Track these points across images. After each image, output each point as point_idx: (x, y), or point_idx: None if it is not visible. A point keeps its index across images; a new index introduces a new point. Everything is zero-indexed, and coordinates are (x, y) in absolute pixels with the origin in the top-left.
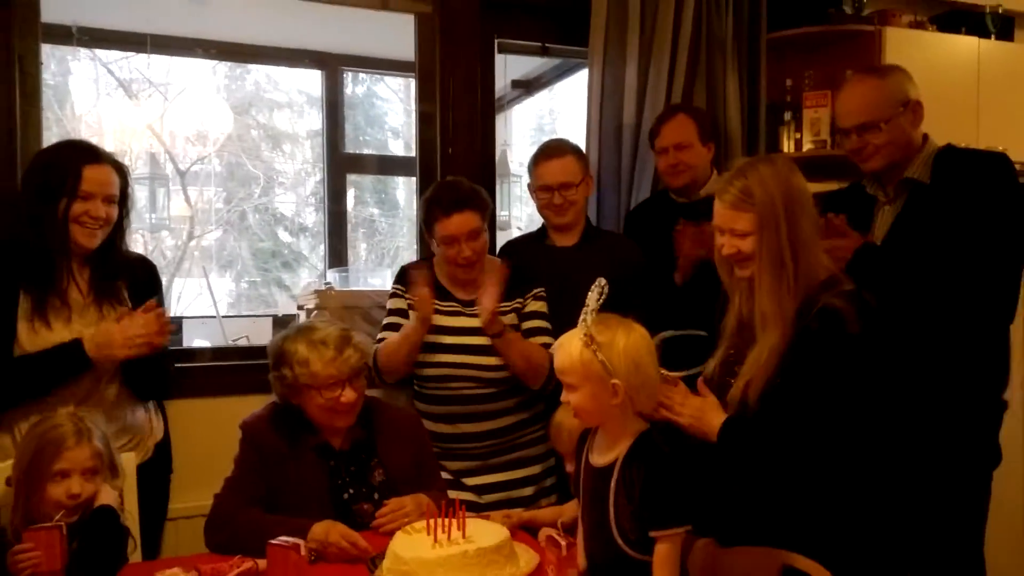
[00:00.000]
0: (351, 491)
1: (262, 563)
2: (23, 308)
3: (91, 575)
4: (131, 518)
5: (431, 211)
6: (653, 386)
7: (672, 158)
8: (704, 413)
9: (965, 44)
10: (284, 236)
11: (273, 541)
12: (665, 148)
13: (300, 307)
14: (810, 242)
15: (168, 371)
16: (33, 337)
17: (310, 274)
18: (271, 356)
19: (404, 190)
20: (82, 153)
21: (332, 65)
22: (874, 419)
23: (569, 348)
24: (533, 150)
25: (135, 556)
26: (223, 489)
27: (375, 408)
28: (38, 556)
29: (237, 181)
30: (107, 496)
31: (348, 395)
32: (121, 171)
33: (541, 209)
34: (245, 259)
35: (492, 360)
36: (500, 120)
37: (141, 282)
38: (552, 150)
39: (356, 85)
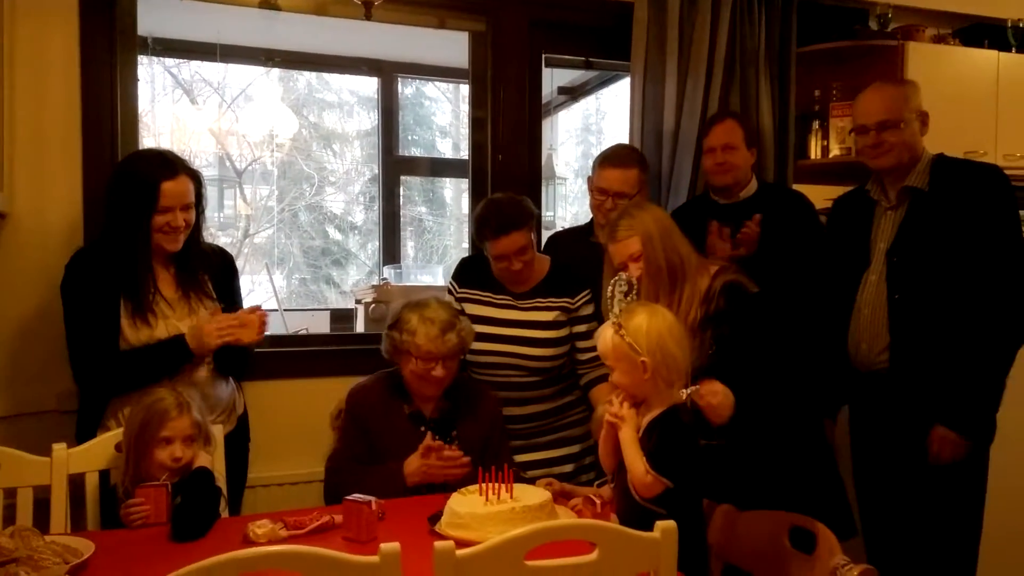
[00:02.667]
0: None
1: (338, 517)
2: (124, 308)
3: (190, 526)
4: (221, 480)
5: (481, 231)
6: (677, 361)
7: (719, 157)
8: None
9: (984, 57)
10: (334, 234)
11: (348, 497)
12: (713, 148)
13: (358, 301)
14: (685, 252)
15: (250, 353)
16: (136, 333)
17: (359, 271)
18: (391, 317)
19: (452, 190)
20: (160, 168)
21: (388, 72)
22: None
23: (604, 336)
24: (579, 151)
25: (225, 514)
26: (331, 455)
27: (464, 386)
28: (147, 509)
29: (289, 180)
30: (204, 460)
31: (439, 371)
32: (196, 177)
33: (593, 207)
34: (296, 256)
35: (538, 351)
36: (546, 124)
37: (221, 272)
38: (620, 159)
39: (405, 86)
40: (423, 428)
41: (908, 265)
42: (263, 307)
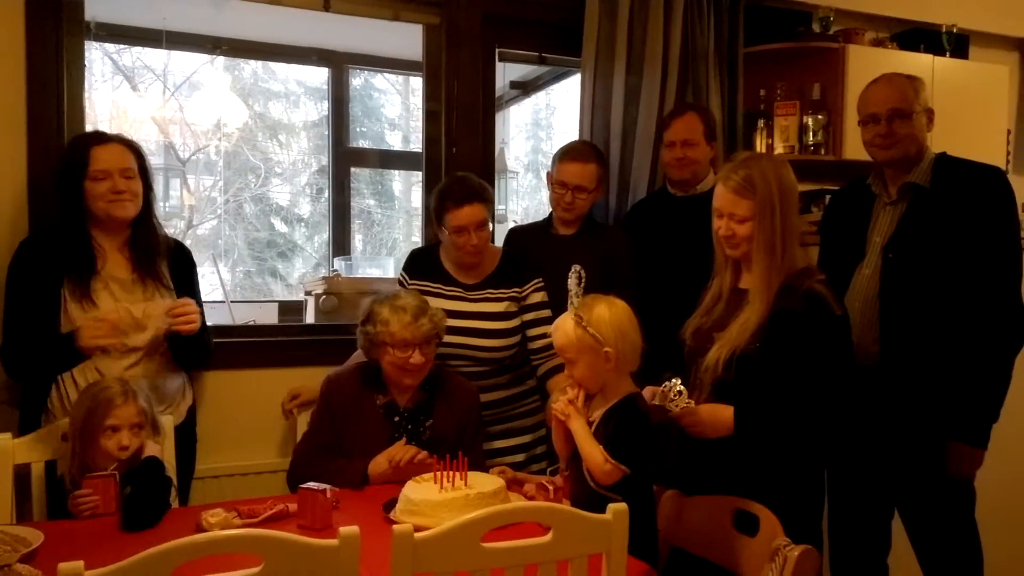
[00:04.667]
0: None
1: (292, 506)
2: (70, 290)
3: (142, 516)
4: (171, 470)
5: (443, 202)
6: (637, 348)
7: (679, 152)
8: (715, 410)
9: (920, 61)
10: (280, 226)
11: (303, 486)
12: (673, 142)
13: (308, 292)
14: (795, 232)
15: (208, 345)
16: (83, 315)
17: (305, 263)
18: (362, 313)
19: (400, 183)
20: (89, 137)
21: (338, 63)
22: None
23: (564, 328)
24: (528, 146)
25: (175, 504)
26: (301, 440)
27: (442, 377)
28: (96, 500)
29: (234, 171)
30: (152, 450)
31: (416, 358)
32: (132, 147)
33: (553, 201)
34: (240, 248)
35: (489, 342)
36: (498, 119)
37: (179, 263)
38: (579, 154)
39: (353, 77)
40: (396, 419)
41: (903, 261)
42: (209, 298)
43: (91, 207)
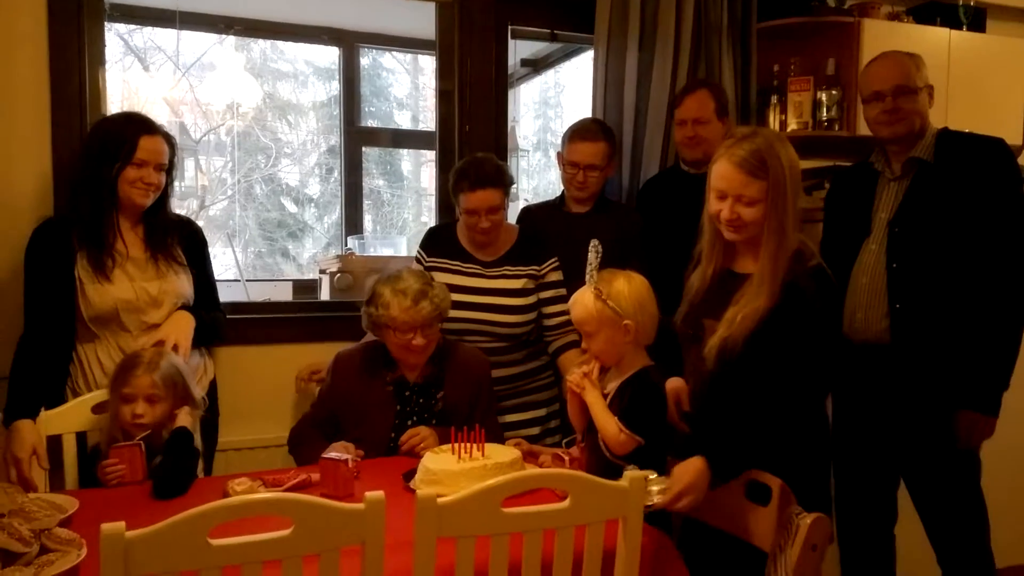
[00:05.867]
0: (415, 418)
1: (315, 476)
2: (84, 269)
3: (172, 484)
4: (196, 441)
5: (459, 183)
6: (655, 320)
7: (690, 130)
8: (684, 471)
9: (937, 35)
10: (290, 206)
11: (325, 455)
12: (684, 121)
13: (323, 271)
14: (799, 213)
15: (216, 325)
16: (99, 290)
17: (315, 244)
18: (367, 294)
19: (409, 162)
20: (140, 125)
21: (349, 42)
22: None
23: (584, 302)
24: (537, 125)
25: (200, 475)
26: (308, 410)
27: (451, 349)
28: (123, 469)
29: (244, 151)
30: (184, 421)
31: (418, 340)
32: (170, 142)
33: (565, 180)
34: (252, 229)
35: (507, 318)
36: (509, 97)
37: (190, 241)
38: (588, 133)
39: (362, 56)
40: (407, 394)
41: (909, 235)
42: (223, 277)
43: (117, 188)
